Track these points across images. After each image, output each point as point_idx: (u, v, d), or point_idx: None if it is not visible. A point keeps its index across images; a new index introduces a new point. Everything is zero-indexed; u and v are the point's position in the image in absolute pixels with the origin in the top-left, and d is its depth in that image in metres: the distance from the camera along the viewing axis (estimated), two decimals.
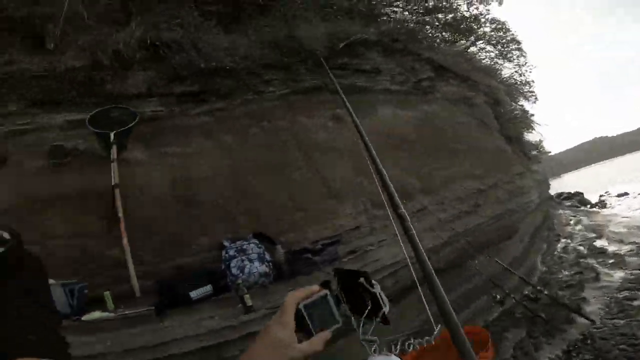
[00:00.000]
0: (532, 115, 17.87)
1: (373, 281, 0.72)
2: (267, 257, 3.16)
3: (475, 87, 8.94)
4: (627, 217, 13.06)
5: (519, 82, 16.60)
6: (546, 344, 4.12)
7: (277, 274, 3.20)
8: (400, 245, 4.36)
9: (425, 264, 1.11)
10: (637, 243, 8.19)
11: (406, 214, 1.31)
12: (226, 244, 3.29)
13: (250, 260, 3.06)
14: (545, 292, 5.03)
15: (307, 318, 0.68)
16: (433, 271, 1.08)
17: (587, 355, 3.82)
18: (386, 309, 0.67)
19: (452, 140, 6.55)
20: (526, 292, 5.22)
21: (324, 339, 0.69)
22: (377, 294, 0.68)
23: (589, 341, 4.04)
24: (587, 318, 4.44)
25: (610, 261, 7.22)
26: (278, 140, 4.45)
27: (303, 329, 0.68)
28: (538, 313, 4.57)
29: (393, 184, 4.93)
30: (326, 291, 0.71)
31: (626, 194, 20.97)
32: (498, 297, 4.77)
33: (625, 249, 8.00)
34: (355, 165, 4.41)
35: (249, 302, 2.81)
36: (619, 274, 6.13)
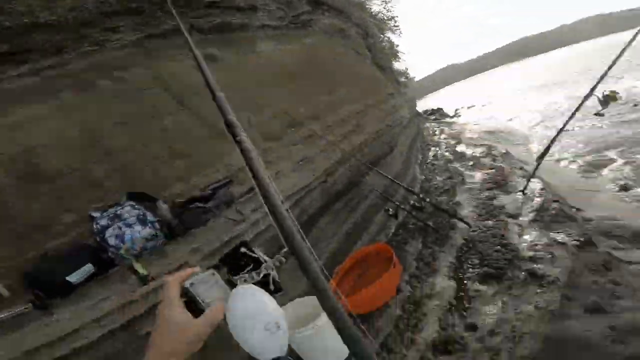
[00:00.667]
0: (398, 46, 20.01)
1: (253, 248, 0.78)
2: (150, 217, 2.71)
3: (349, 19, 9.24)
4: (476, 125, 15.98)
5: (386, 17, 18.18)
6: (440, 252, 4.24)
7: (169, 233, 2.82)
8: (301, 172, 4.43)
9: (262, 185, 0.95)
10: (486, 145, 9.82)
11: (246, 140, 1.11)
12: (95, 214, 2.71)
13: (129, 225, 2.59)
14: (427, 200, 5.43)
15: (195, 295, 0.65)
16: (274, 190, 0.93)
17: (475, 259, 3.95)
18: (273, 272, 0.70)
19: (332, 70, 6.69)
20: (412, 202, 5.53)
21: (219, 310, 0.66)
22: (259, 257, 0.76)
23: (471, 245, 4.24)
24: (465, 222, 4.72)
25: (470, 163, 8.33)
26: (137, 89, 3.78)
27: (196, 310, 0.65)
28: (427, 222, 4.79)
29: (283, 117, 4.83)
30: (212, 270, 0.70)
31: (473, 105, 26.00)
32: (390, 210, 5.02)
33: (478, 151, 9.55)
34: (236, 102, 4.11)
35: (143, 271, 2.43)
36: (478, 175, 7.10)
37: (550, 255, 3.53)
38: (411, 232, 4.80)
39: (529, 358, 2.60)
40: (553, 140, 5.14)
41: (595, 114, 3.98)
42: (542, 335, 2.78)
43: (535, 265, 3.47)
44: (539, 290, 3.17)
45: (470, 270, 3.76)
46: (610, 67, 4.45)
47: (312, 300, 1.16)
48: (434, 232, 4.62)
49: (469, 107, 25.56)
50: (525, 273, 3.40)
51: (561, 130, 5.02)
